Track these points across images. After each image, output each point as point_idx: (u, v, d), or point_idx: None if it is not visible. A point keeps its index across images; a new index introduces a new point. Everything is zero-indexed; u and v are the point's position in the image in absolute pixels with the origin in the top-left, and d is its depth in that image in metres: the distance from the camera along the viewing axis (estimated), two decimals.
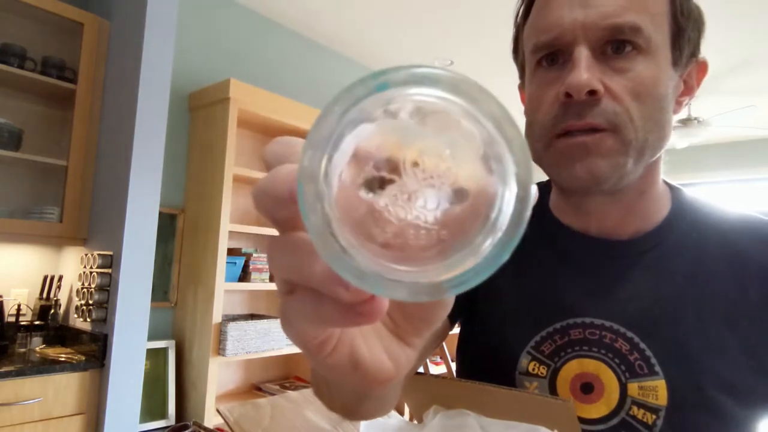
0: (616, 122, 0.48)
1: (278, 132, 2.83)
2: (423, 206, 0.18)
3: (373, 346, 0.24)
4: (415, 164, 0.18)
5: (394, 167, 0.18)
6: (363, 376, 0.23)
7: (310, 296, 0.20)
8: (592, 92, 0.48)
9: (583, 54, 0.49)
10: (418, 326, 0.25)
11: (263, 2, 2.88)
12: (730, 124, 3.95)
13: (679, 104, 0.55)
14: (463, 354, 0.66)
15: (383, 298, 0.18)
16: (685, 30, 0.51)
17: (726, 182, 5.11)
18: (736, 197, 5.04)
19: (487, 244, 0.17)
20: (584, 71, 0.48)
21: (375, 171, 0.18)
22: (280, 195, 0.19)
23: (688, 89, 0.55)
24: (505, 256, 0.17)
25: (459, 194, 0.18)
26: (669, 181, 0.62)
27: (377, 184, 0.18)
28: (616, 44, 0.49)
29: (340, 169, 0.18)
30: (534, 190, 0.17)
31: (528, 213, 0.17)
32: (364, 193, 0.18)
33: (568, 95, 0.49)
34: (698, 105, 3.91)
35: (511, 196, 0.17)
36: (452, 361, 2.84)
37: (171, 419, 2.31)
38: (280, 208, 0.19)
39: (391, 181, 0.18)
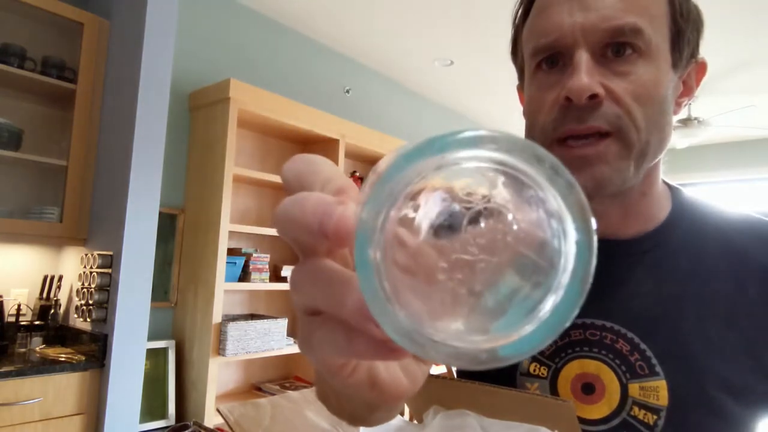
0: (620, 125, 0.48)
1: (278, 132, 2.83)
2: (481, 267, 0.18)
3: (390, 364, 0.24)
4: (475, 225, 0.18)
5: (452, 227, 0.18)
6: (380, 393, 0.24)
7: (339, 327, 0.20)
8: (593, 96, 0.48)
9: (583, 58, 0.48)
10: None
11: (263, 2, 2.88)
12: (730, 124, 3.95)
13: (678, 105, 0.55)
14: None
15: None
16: (684, 31, 0.51)
17: (726, 182, 5.11)
18: (736, 197, 5.04)
19: (547, 308, 0.16)
20: (585, 75, 0.47)
21: (432, 231, 0.18)
22: (308, 225, 0.19)
23: (688, 90, 0.55)
24: (568, 321, 0.16)
25: (519, 255, 0.18)
26: (668, 181, 0.62)
27: (435, 244, 0.18)
28: (617, 47, 0.48)
29: (397, 227, 0.18)
30: (595, 249, 0.16)
31: (591, 273, 0.16)
32: (422, 252, 0.18)
33: (568, 99, 0.48)
34: (698, 105, 3.91)
35: (572, 256, 0.16)
36: None
37: (171, 419, 2.31)
38: (307, 237, 0.19)
39: (448, 242, 0.18)
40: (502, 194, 0.18)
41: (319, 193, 0.20)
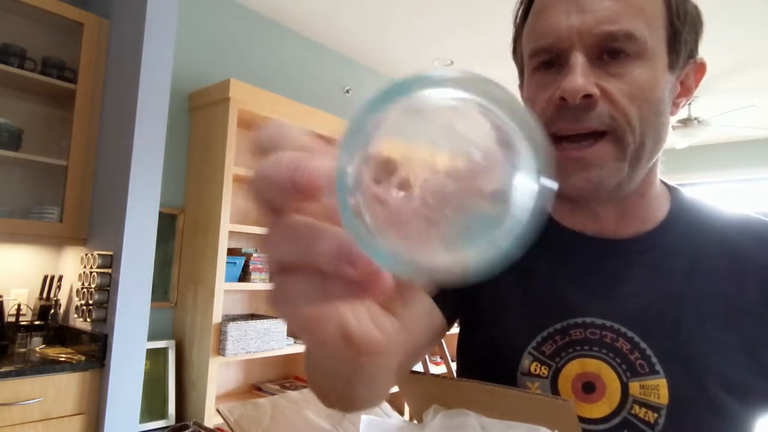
0: (614, 125, 0.49)
1: None
2: (442, 200, 0.20)
3: (360, 316, 0.24)
4: (436, 162, 0.20)
5: (416, 166, 0.20)
6: (354, 348, 0.24)
7: (314, 276, 0.21)
8: (588, 96, 0.48)
9: (579, 60, 0.49)
10: (403, 295, 0.26)
11: (263, 2, 2.88)
12: (730, 124, 3.95)
13: (676, 106, 0.55)
14: (463, 354, 0.66)
15: (388, 273, 0.20)
16: (681, 33, 0.51)
17: (726, 182, 5.10)
18: (736, 197, 5.04)
19: (506, 235, 0.18)
20: (579, 76, 0.48)
21: (399, 170, 0.20)
22: (283, 181, 0.20)
23: (686, 90, 0.55)
24: (520, 247, 0.18)
25: (478, 189, 0.20)
26: (667, 181, 0.62)
27: (403, 182, 0.20)
28: (612, 49, 0.49)
29: (368, 168, 0.20)
30: (551, 182, 0.18)
31: (545, 204, 0.18)
32: (392, 190, 0.20)
33: (563, 99, 0.49)
34: (698, 105, 3.91)
35: (527, 188, 0.18)
36: (452, 361, 2.84)
37: (171, 419, 2.31)
38: (281, 194, 0.20)
39: (413, 180, 0.20)
40: (459, 132, 0.20)
41: (291, 152, 0.21)
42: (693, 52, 0.54)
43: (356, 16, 2.98)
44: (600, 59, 0.50)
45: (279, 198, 0.21)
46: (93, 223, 2.16)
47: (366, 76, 3.66)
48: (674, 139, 3.73)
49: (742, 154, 4.95)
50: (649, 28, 0.49)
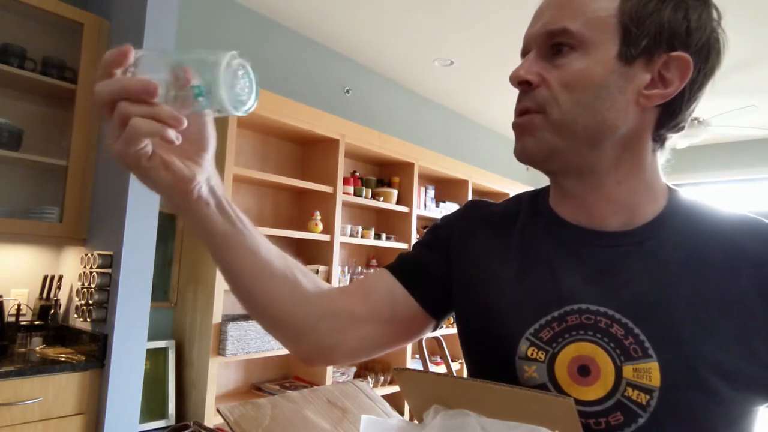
0: (543, 104, 0.58)
1: (278, 132, 2.83)
2: (194, 83, 0.49)
3: (173, 158, 0.51)
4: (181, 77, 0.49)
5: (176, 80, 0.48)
6: (173, 174, 0.52)
7: (133, 113, 0.46)
8: (525, 82, 0.58)
9: (530, 56, 0.59)
10: (196, 147, 0.54)
11: (263, 2, 2.88)
12: (730, 124, 3.96)
13: (647, 98, 0.57)
14: (465, 342, 0.69)
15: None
16: (630, 30, 0.55)
17: (726, 182, 5.11)
18: (736, 197, 5.05)
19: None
20: (521, 67, 0.59)
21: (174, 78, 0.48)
22: (108, 60, 0.47)
23: (665, 83, 0.58)
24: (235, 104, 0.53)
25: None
26: (667, 183, 0.64)
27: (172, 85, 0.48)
28: (556, 45, 0.58)
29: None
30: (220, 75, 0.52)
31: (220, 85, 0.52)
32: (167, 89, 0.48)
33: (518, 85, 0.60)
34: (698, 105, 3.90)
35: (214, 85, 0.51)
36: (452, 361, 2.85)
37: (171, 419, 2.31)
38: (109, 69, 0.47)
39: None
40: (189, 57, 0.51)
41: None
42: (662, 48, 0.56)
43: (356, 16, 2.98)
44: (549, 55, 0.58)
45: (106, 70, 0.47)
46: (93, 223, 2.16)
47: (366, 76, 3.66)
48: (674, 139, 3.72)
49: (742, 154, 4.96)
50: (588, 26, 0.56)
